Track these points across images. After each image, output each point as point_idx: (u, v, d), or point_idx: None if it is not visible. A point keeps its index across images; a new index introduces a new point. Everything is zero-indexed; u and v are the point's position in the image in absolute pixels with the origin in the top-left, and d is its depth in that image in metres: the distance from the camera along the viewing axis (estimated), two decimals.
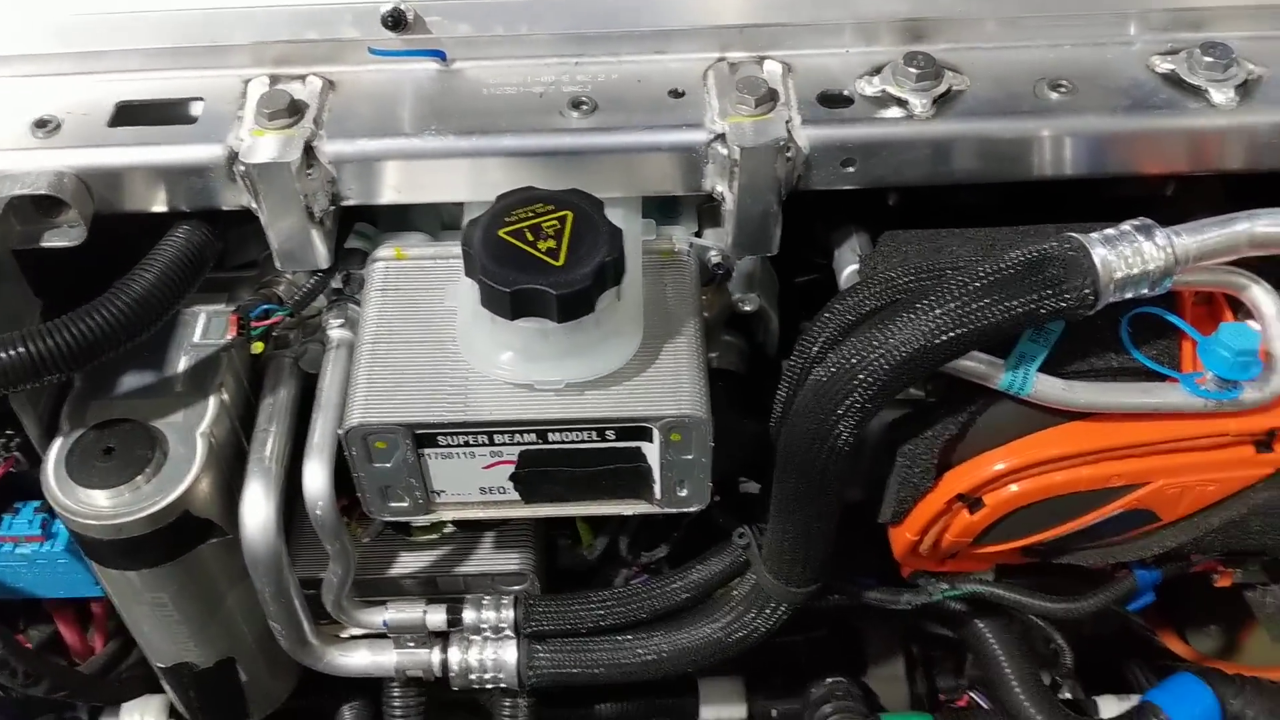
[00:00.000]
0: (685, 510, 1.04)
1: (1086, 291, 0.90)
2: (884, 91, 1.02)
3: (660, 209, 1.11)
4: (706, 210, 1.12)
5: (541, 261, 0.92)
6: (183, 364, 1.10)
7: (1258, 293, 0.99)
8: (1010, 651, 1.25)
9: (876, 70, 1.04)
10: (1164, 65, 1.03)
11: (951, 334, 0.90)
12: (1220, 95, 1.00)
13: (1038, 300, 0.90)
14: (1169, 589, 1.22)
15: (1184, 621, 1.54)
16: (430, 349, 1.00)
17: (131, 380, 1.09)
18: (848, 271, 1.11)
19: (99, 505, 1.02)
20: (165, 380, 1.08)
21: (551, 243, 0.93)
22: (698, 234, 1.11)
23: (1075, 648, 1.32)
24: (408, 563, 1.19)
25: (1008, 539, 1.07)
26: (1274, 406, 0.99)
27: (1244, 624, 1.51)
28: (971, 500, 1.03)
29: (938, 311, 0.90)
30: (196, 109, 1.04)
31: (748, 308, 1.16)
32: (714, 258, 1.11)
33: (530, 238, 0.94)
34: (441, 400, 0.97)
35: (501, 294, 0.90)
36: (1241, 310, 1.02)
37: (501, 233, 0.94)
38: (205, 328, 1.12)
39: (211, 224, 1.05)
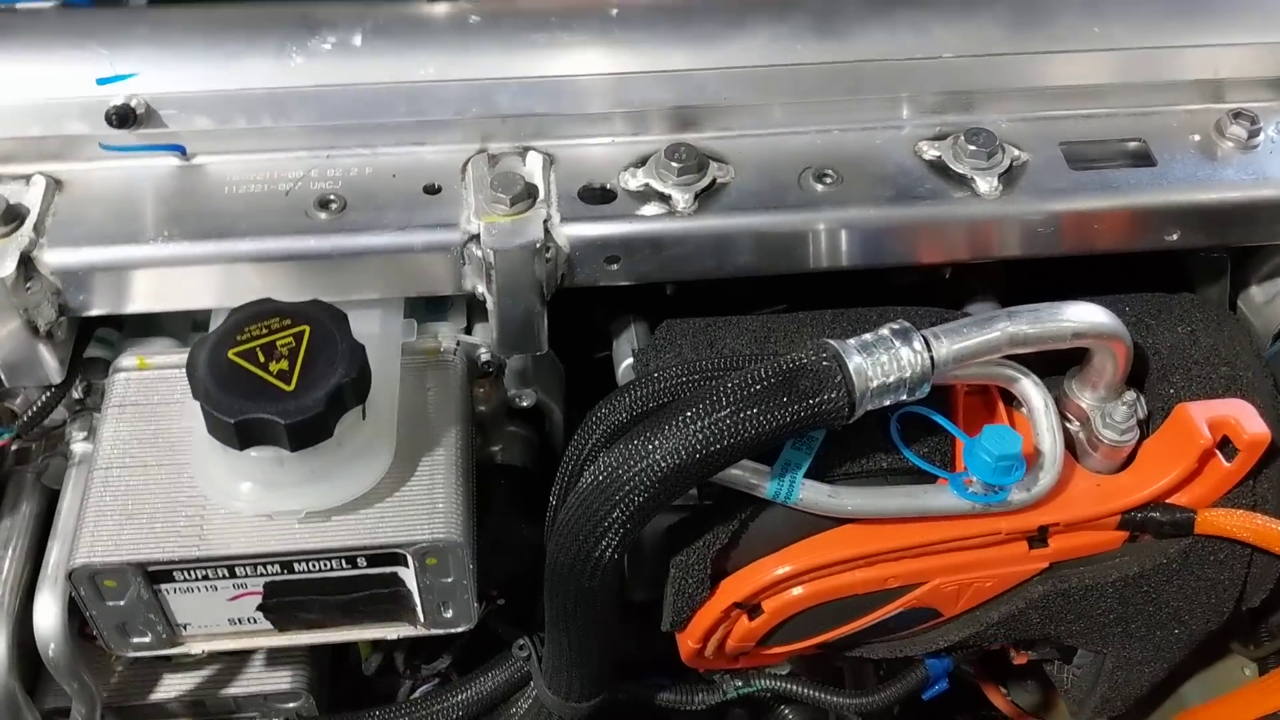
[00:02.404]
0: (452, 630, 0.99)
1: (841, 403, 0.87)
2: (647, 185, 0.98)
3: (427, 304, 1.06)
4: (477, 303, 1.07)
5: (272, 386, 0.86)
6: None
7: (1027, 386, 0.97)
8: None
9: (642, 162, 1.00)
10: (931, 151, 1.01)
11: (712, 448, 0.86)
12: (985, 184, 0.98)
13: (794, 413, 0.86)
14: None
15: (1006, 674, 1.54)
16: (166, 475, 0.94)
17: None
18: (624, 366, 1.07)
19: None
20: None
21: (284, 363, 0.87)
22: (467, 330, 1.07)
23: None
24: (173, 685, 1.11)
25: (791, 640, 1.04)
26: (1044, 503, 0.98)
27: None
28: (750, 607, 1.00)
29: (697, 426, 0.86)
30: None
31: (524, 403, 1.11)
32: (484, 355, 1.06)
33: (262, 358, 0.87)
34: (175, 534, 0.91)
35: (226, 424, 0.84)
36: (1015, 397, 1.01)
37: (231, 354, 0.87)
38: None
39: None
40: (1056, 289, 1.08)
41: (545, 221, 0.95)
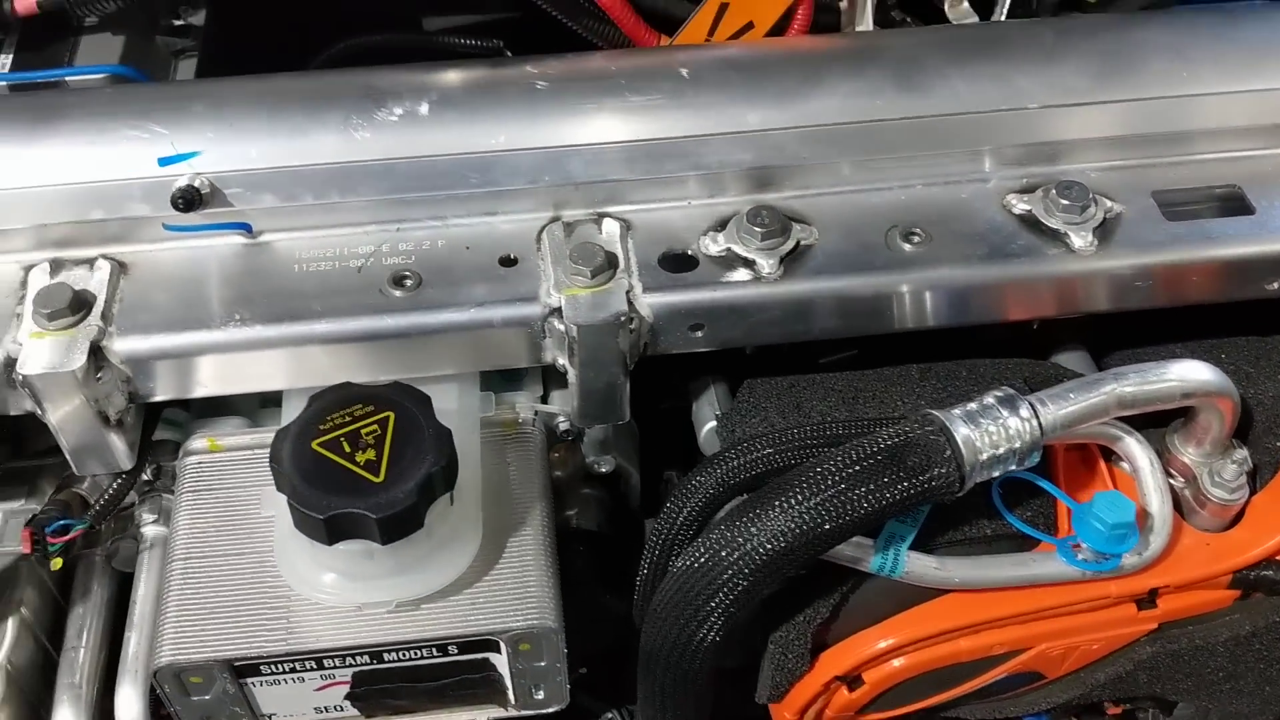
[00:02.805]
0: (543, 711, 0.96)
1: (952, 478, 0.84)
2: (729, 250, 0.95)
3: (502, 374, 1.03)
4: (552, 370, 1.04)
5: (360, 478, 0.83)
6: None
7: (1131, 445, 0.94)
8: None
9: (721, 225, 0.97)
10: (1020, 205, 0.98)
11: (819, 531, 0.83)
12: (1080, 239, 0.95)
13: (903, 490, 0.83)
14: None
15: None
16: (247, 565, 0.91)
17: None
18: (706, 429, 1.04)
19: None
20: None
21: (371, 453, 0.84)
22: (543, 399, 1.04)
23: None
24: None
25: (890, 707, 1.01)
26: (1154, 565, 0.94)
27: None
28: (850, 679, 0.97)
29: (803, 508, 0.83)
30: None
31: (603, 469, 1.08)
32: (562, 424, 1.03)
33: (347, 448, 0.85)
34: (261, 627, 0.88)
35: (315, 520, 0.81)
36: (1115, 453, 0.98)
37: (315, 444, 0.85)
38: (0, 532, 1.01)
39: None
40: (1142, 331, 1.06)
41: (628, 292, 0.92)
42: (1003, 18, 1.19)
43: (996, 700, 1.05)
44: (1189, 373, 0.91)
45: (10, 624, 0.96)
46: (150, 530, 1.01)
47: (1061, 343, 1.09)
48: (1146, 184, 0.99)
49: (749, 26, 1.09)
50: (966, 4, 1.17)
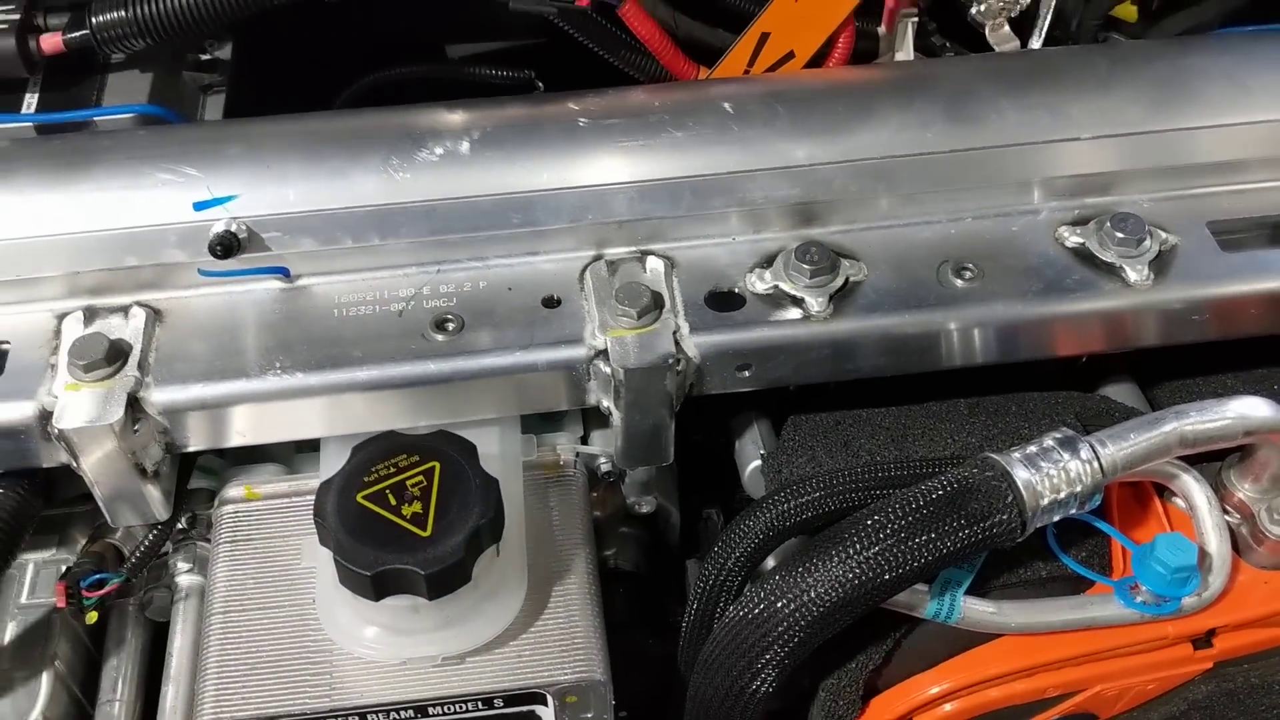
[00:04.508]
0: None
1: (1014, 525, 0.82)
2: (777, 288, 0.93)
3: (542, 416, 1.01)
4: (593, 409, 1.02)
5: (406, 532, 0.81)
6: (9, 632, 0.97)
7: (1188, 484, 0.92)
8: None
9: (768, 261, 0.95)
10: (1073, 239, 0.96)
11: (877, 581, 0.82)
12: (1135, 273, 0.93)
13: (964, 538, 0.81)
14: None
15: None
16: (288, 619, 0.89)
17: None
18: (751, 469, 1.02)
19: None
20: None
21: (417, 506, 0.82)
22: (584, 439, 1.01)
23: None
24: None
25: None
26: (1212, 605, 0.92)
27: None
28: None
29: (861, 557, 0.81)
30: (2, 355, 0.91)
31: (644, 510, 1.06)
32: (604, 465, 1.01)
33: (393, 501, 0.83)
34: (304, 684, 0.86)
35: (362, 577, 0.79)
36: (1168, 490, 0.96)
37: (360, 497, 0.83)
38: (33, 583, 0.99)
39: (30, 476, 0.92)
40: (1188, 360, 1.04)
41: (675, 333, 0.90)
42: (1040, 38, 1.18)
43: None
44: (1250, 410, 0.89)
45: (45, 678, 0.94)
46: (185, 580, 0.99)
47: (1109, 374, 1.07)
48: (1201, 213, 0.97)
49: (790, 56, 1.07)
50: (1008, 28, 1.15)
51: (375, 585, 0.80)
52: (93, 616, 0.94)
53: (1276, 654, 0.98)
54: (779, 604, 0.83)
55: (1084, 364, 1.05)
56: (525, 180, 0.94)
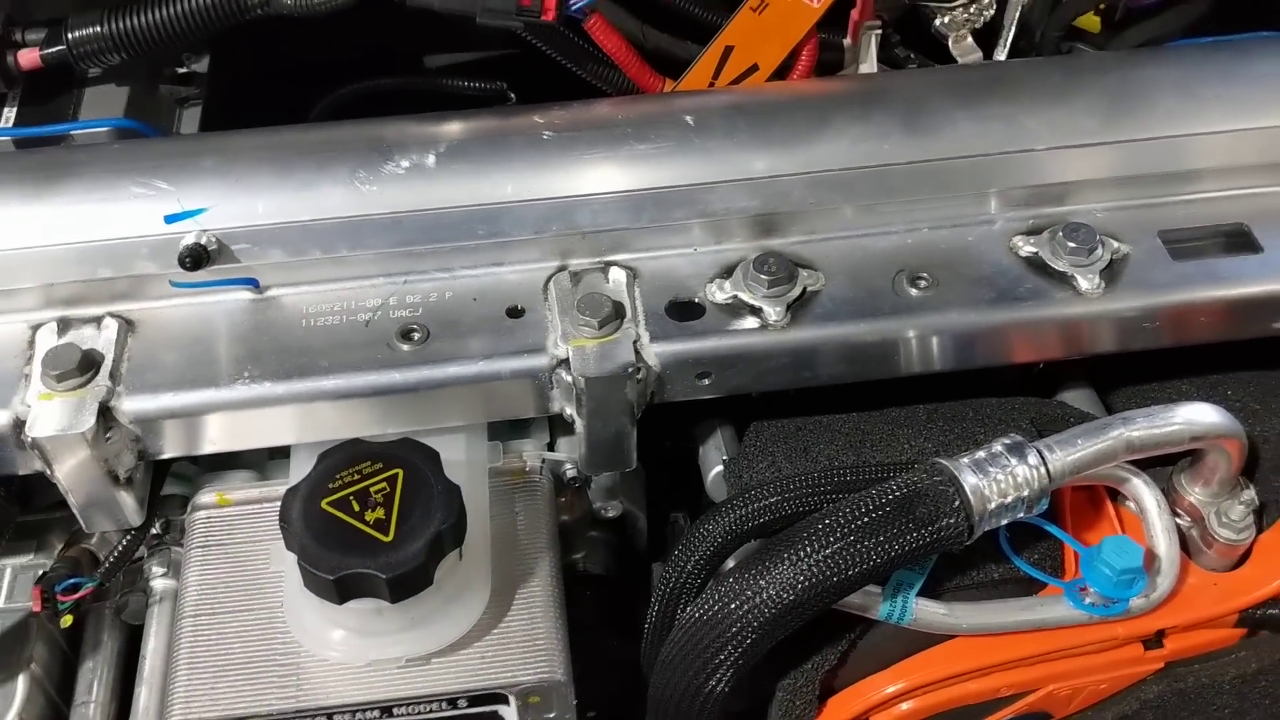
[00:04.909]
0: None
1: (961, 528, 0.84)
2: (736, 298, 0.95)
3: (510, 423, 1.03)
4: (559, 418, 1.03)
5: (370, 537, 0.83)
6: None
7: (1138, 487, 0.94)
8: None
9: (727, 271, 0.97)
10: (1027, 248, 0.98)
11: (828, 583, 0.84)
12: (1086, 282, 0.95)
13: (912, 541, 0.84)
14: None
15: None
16: (257, 622, 0.91)
17: None
18: (714, 474, 1.04)
19: None
20: None
21: (380, 512, 0.85)
22: (550, 446, 1.03)
23: None
24: None
25: None
26: (1161, 606, 0.94)
27: None
28: None
29: (812, 560, 0.84)
30: None
31: (610, 514, 1.08)
32: (569, 471, 1.03)
33: (356, 507, 0.85)
34: (272, 685, 0.88)
35: (325, 580, 0.81)
36: (1120, 493, 0.98)
37: (325, 504, 0.85)
38: (11, 588, 1.02)
39: (6, 484, 0.95)
40: (1145, 366, 1.06)
41: (635, 342, 0.92)
42: (1005, 50, 1.20)
43: None
44: (1197, 415, 0.91)
45: (21, 681, 0.96)
46: (159, 584, 1.01)
47: (1067, 380, 1.09)
48: (1153, 223, 0.99)
49: (754, 69, 1.09)
50: (971, 40, 1.17)
51: (339, 589, 0.82)
52: (68, 620, 0.96)
53: (1226, 654, 1.00)
54: (733, 605, 0.85)
55: (1042, 370, 1.07)
56: (490, 192, 0.96)
